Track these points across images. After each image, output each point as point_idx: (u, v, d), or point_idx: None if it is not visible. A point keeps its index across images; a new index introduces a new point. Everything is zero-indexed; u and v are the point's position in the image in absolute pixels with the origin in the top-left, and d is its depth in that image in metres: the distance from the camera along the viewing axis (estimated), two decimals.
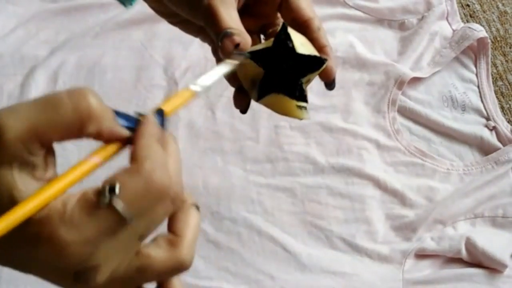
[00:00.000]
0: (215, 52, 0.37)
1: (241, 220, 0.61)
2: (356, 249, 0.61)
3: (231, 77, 0.39)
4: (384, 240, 0.61)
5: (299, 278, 0.59)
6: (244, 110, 0.39)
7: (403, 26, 0.75)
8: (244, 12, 0.39)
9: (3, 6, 0.72)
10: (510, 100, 0.73)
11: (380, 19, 0.75)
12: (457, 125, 0.69)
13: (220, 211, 0.62)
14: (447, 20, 0.74)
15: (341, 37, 0.73)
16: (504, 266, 0.59)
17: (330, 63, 0.37)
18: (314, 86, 0.70)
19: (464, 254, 0.60)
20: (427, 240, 0.61)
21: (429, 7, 0.74)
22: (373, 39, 0.74)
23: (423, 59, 0.72)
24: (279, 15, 0.41)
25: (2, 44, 0.70)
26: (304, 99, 0.36)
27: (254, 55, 0.35)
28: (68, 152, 0.64)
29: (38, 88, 0.67)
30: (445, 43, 0.72)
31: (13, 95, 0.67)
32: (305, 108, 0.36)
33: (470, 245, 0.60)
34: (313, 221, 0.62)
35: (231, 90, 0.70)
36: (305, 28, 0.39)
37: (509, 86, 0.74)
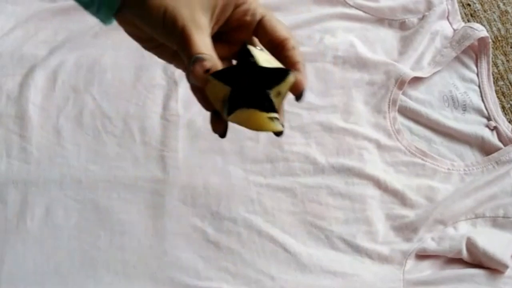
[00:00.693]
0: (188, 78, 0.37)
1: (241, 221, 0.61)
2: (357, 249, 0.61)
3: (205, 102, 0.40)
4: (385, 241, 0.61)
5: (299, 278, 0.59)
6: (222, 134, 0.40)
7: (403, 25, 0.75)
8: (218, 39, 0.40)
9: (2, 5, 0.72)
10: (511, 100, 0.73)
11: (381, 19, 0.75)
12: (458, 125, 0.69)
13: (220, 211, 0.62)
14: (448, 19, 0.74)
15: (342, 36, 0.73)
16: (505, 266, 0.59)
17: (300, 76, 0.38)
18: (314, 86, 0.70)
19: (465, 254, 0.60)
20: (428, 240, 0.61)
21: (429, 6, 0.74)
22: (373, 38, 0.74)
23: (423, 58, 0.72)
24: (256, 39, 0.41)
25: (1, 43, 0.70)
26: (274, 110, 0.36)
27: (219, 75, 0.36)
28: (68, 152, 0.64)
29: (37, 88, 0.67)
30: (446, 42, 0.72)
31: (12, 94, 0.67)
32: (276, 119, 0.36)
33: (471, 245, 0.60)
34: (313, 221, 0.62)
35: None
36: (280, 49, 0.39)
37: (510, 86, 0.74)
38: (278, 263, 0.60)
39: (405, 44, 0.73)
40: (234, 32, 0.41)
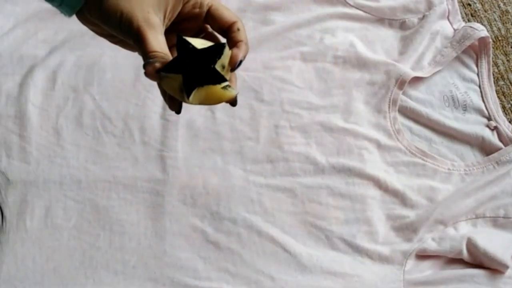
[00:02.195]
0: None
1: (241, 221, 0.61)
2: (357, 249, 0.61)
3: (162, 91, 0.44)
4: (385, 241, 0.61)
5: (299, 279, 0.59)
6: (178, 111, 0.44)
7: (404, 25, 0.75)
8: (171, 30, 0.44)
9: (2, 5, 0.72)
10: (511, 100, 0.73)
11: (381, 18, 0.75)
12: (458, 125, 0.69)
13: (220, 212, 0.62)
14: (448, 19, 0.74)
15: (342, 36, 0.73)
16: (506, 266, 0.59)
17: (235, 51, 0.42)
18: (314, 86, 0.70)
19: (465, 254, 0.60)
20: (428, 240, 0.61)
21: (430, 6, 0.74)
22: (374, 38, 0.74)
23: (424, 58, 0.72)
24: (208, 26, 0.46)
25: (1, 43, 0.70)
26: (224, 79, 0.41)
27: (168, 68, 0.40)
28: (68, 152, 0.64)
29: (37, 88, 0.67)
30: (446, 42, 0.72)
31: (12, 94, 0.67)
32: (229, 86, 0.41)
33: (471, 245, 0.60)
34: (313, 222, 0.62)
35: None
36: (228, 32, 0.45)
37: (510, 86, 0.74)
38: (278, 264, 0.60)
39: (406, 44, 0.73)
40: (186, 22, 0.45)
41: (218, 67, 0.41)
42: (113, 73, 0.69)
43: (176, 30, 0.45)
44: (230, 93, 0.41)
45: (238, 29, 0.44)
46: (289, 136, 0.66)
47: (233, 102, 0.43)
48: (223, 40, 0.45)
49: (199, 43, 0.41)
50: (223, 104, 0.68)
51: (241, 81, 0.69)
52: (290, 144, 0.66)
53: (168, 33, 0.43)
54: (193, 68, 0.40)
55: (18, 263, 0.58)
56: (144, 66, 0.40)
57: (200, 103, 0.41)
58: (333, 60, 0.71)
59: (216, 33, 0.47)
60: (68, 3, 0.41)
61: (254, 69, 0.70)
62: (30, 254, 0.59)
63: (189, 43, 0.41)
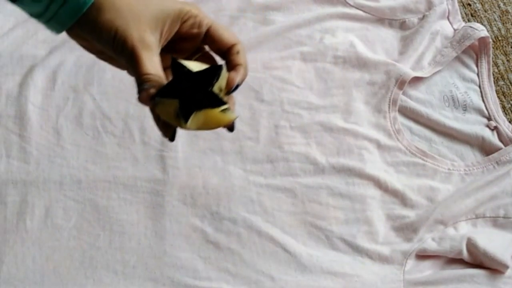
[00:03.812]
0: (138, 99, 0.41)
1: (241, 221, 0.61)
2: (357, 249, 0.61)
3: (155, 117, 0.43)
4: (385, 241, 0.61)
5: (299, 279, 0.59)
6: (172, 138, 0.43)
7: (404, 25, 0.75)
8: (167, 49, 0.42)
9: (2, 5, 0.72)
10: (511, 100, 0.73)
11: (381, 19, 0.75)
12: (458, 125, 0.69)
13: (220, 212, 0.62)
14: (448, 19, 0.74)
15: (342, 36, 0.73)
16: (506, 266, 0.59)
17: (233, 74, 0.41)
18: (314, 86, 0.70)
19: (465, 254, 0.60)
20: (428, 240, 0.61)
21: (430, 6, 0.74)
22: (374, 38, 0.74)
23: (424, 58, 0.72)
24: (206, 47, 0.45)
25: (1, 43, 0.70)
26: (223, 102, 0.39)
27: (163, 93, 0.38)
28: (68, 152, 0.64)
29: (36, 88, 0.67)
30: (446, 42, 0.72)
31: (12, 94, 0.67)
32: (228, 109, 0.40)
33: (471, 245, 0.60)
34: (313, 222, 0.62)
35: None
36: (227, 54, 0.43)
37: (510, 86, 0.74)
38: (278, 264, 0.60)
39: (406, 44, 0.73)
40: (183, 42, 0.43)
41: (215, 90, 0.39)
42: (113, 73, 0.69)
43: (172, 50, 0.43)
44: (229, 116, 0.40)
45: (238, 52, 0.43)
46: (289, 136, 0.66)
47: (231, 126, 0.42)
48: (220, 61, 0.44)
49: (195, 66, 0.40)
50: None
51: None
52: (290, 144, 0.66)
53: (163, 52, 0.41)
54: (190, 92, 0.38)
55: (18, 263, 0.58)
56: (138, 92, 0.39)
57: (198, 129, 0.40)
58: (333, 60, 0.71)
59: (213, 54, 0.45)
60: (58, 20, 0.39)
61: (254, 69, 0.70)
62: (30, 254, 0.59)
63: (184, 66, 0.39)
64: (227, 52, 0.43)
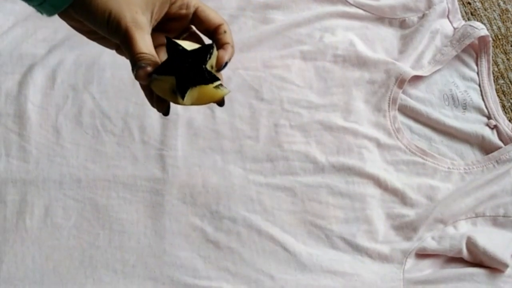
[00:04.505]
0: (135, 77, 0.43)
1: (241, 220, 0.61)
2: (357, 248, 0.61)
3: (148, 94, 0.45)
4: (385, 240, 0.61)
5: (299, 278, 0.59)
6: (166, 112, 0.45)
7: (404, 24, 0.75)
8: (157, 30, 0.44)
9: (1, 4, 0.72)
10: (511, 99, 0.73)
11: (381, 17, 0.75)
12: (458, 123, 0.69)
13: (219, 211, 0.62)
14: (448, 18, 0.74)
15: (342, 35, 0.73)
16: (505, 265, 0.59)
17: (222, 52, 0.44)
18: (314, 84, 0.70)
19: (465, 253, 0.60)
20: (428, 239, 0.61)
21: (430, 5, 0.74)
22: (373, 37, 0.74)
23: (424, 57, 0.72)
24: (193, 27, 0.47)
25: (0, 42, 0.70)
26: (216, 79, 0.42)
27: (160, 70, 0.41)
28: (67, 151, 0.64)
29: (36, 87, 0.67)
30: (446, 41, 0.72)
31: (11, 93, 0.67)
32: (221, 85, 0.42)
33: (471, 244, 0.60)
34: (313, 221, 0.62)
35: (230, 89, 0.70)
36: (214, 34, 0.45)
37: (510, 85, 0.74)
38: (278, 263, 0.60)
39: (405, 42, 0.73)
40: (172, 22, 0.46)
41: (208, 67, 0.42)
42: (113, 72, 0.69)
43: (161, 30, 0.45)
44: (222, 91, 0.42)
45: (225, 31, 0.45)
46: (288, 135, 0.66)
47: (221, 102, 0.44)
48: (207, 40, 0.45)
49: (187, 45, 0.42)
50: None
51: (240, 80, 0.69)
52: (290, 143, 0.66)
53: (153, 32, 0.43)
54: (185, 70, 0.41)
55: (17, 262, 0.58)
56: (135, 70, 0.40)
57: (192, 104, 0.42)
58: (333, 59, 0.71)
59: (200, 34, 0.47)
60: (52, 3, 0.41)
61: (254, 68, 0.70)
62: (29, 254, 0.59)
63: (179, 45, 0.42)
64: (214, 32, 0.45)
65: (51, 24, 0.72)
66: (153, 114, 0.67)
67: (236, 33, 0.73)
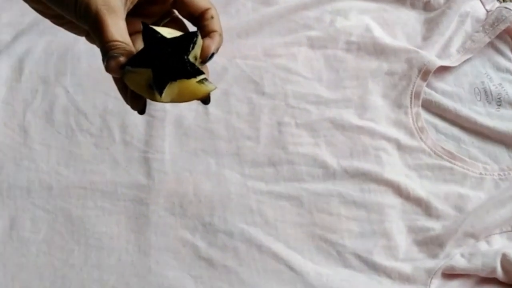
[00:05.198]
0: (105, 68, 0.42)
1: (239, 234, 0.61)
2: (373, 267, 0.61)
3: (122, 88, 0.44)
4: (406, 257, 0.61)
5: None
6: (142, 111, 0.45)
7: (428, 5, 0.75)
8: (133, 14, 0.44)
9: None
10: None
11: None
12: (492, 122, 0.69)
13: (213, 223, 0.62)
14: None
15: (356, 19, 0.73)
16: None
17: (207, 41, 0.43)
18: (324, 76, 0.70)
19: (499, 273, 0.60)
20: (457, 256, 0.61)
21: None
22: (393, 21, 0.74)
23: (451, 45, 0.72)
24: (176, 12, 0.47)
25: None
26: (200, 72, 0.41)
27: (135, 61, 0.40)
28: (36, 153, 0.64)
29: (0, 78, 0.67)
30: (478, 26, 0.72)
31: None
32: (205, 79, 0.41)
33: (506, 262, 0.60)
34: (322, 235, 0.62)
35: (225, 82, 0.70)
36: (200, 20, 0.45)
37: None
38: (281, 284, 0.60)
39: (430, 27, 0.73)
40: (151, 6, 0.45)
41: (191, 58, 0.41)
42: (89, 62, 0.69)
43: (138, 15, 0.45)
44: (207, 87, 0.41)
45: (212, 17, 0.45)
46: (294, 135, 0.66)
47: (206, 99, 0.44)
48: (191, 28, 0.45)
49: (167, 32, 0.42)
50: (217, 97, 0.68)
51: (238, 70, 0.69)
52: (295, 145, 0.66)
53: (129, 17, 0.43)
54: (164, 61, 0.40)
55: None
56: (106, 60, 0.40)
57: (172, 101, 0.41)
58: (346, 47, 0.71)
59: (183, 20, 0.47)
60: None
61: (253, 57, 0.70)
62: None
63: (158, 33, 0.41)
64: (199, 17, 0.45)
65: (17, 6, 0.72)
66: None
67: (233, 16, 0.73)
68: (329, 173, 0.65)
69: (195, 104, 0.67)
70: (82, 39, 0.69)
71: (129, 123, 0.66)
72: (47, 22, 0.70)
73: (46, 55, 0.69)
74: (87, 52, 0.69)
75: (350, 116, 0.68)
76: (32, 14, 0.71)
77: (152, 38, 0.41)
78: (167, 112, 0.67)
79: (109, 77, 0.70)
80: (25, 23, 0.71)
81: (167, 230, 0.61)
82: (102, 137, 0.66)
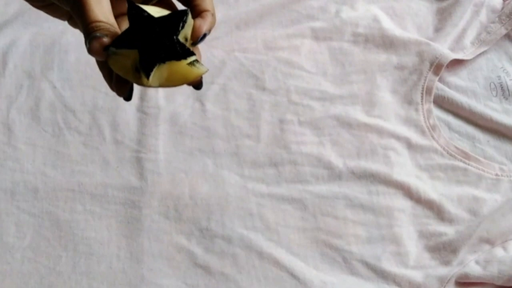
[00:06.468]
0: (88, 51, 0.42)
1: (238, 239, 0.61)
2: (382, 275, 0.61)
3: (107, 74, 0.44)
4: (417, 264, 0.61)
5: None
6: (128, 97, 0.44)
7: None
8: None
9: None
10: None
11: None
12: (509, 119, 0.69)
13: (211, 228, 0.62)
14: None
15: (363, 9, 0.73)
16: None
17: (199, 21, 0.43)
18: (329, 70, 0.70)
19: None
20: (471, 263, 0.61)
21: None
22: (403, 11, 0.74)
23: (466, 36, 0.72)
24: None
25: None
26: (190, 53, 0.40)
27: (120, 42, 0.39)
28: (21, 153, 0.64)
29: None
30: (494, 16, 0.72)
31: None
32: (197, 61, 0.41)
33: None
34: (327, 240, 0.62)
35: (223, 76, 0.70)
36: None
37: None
38: None
39: (443, 18, 0.73)
40: None
41: (181, 39, 0.41)
42: (78, 55, 0.69)
43: None
44: (198, 70, 0.41)
45: None
46: (297, 133, 0.66)
47: (198, 84, 0.44)
48: (181, 8, 0.45)
49: (154, 11, 0.41)
50: (215, 93, 0.68)
51: (237, 64, 0.69)
52: (298, 144, 0.66)
53: None
54: (151, 41, 0.39)
55: None
56: (88, 41, 0.39)
57: (161, 85, 0.41)
58: (352, 39, 0.71)
59: (174, 1, 0.46)
60: None
61: (253, 50, 0.70)
62: None
63: (144, 11, 0.40)
64: None
65: None
66: (128, 107, 0.67)
67: (232, 6, 0.73)
68: (334, 174, 0.65)
69: (191, 100, 0.67)
70: (71, 31, 0.70)
71: (121, 121, 0.66)
72: (32, 13, 0.71)
73: (32, 48, 0.69)
74: (76, 45, 0.69)
75: (357, 113, 0.68)
76: (16, 4, 0.72)
77: (138, 17, 0.40)
78: (161, 109, 0.67)
79: (99, 72, 0.70)
80: (9, 14, 0.71)
81: (161, 235, 0.61)
82: (91, 135, 0.65)
